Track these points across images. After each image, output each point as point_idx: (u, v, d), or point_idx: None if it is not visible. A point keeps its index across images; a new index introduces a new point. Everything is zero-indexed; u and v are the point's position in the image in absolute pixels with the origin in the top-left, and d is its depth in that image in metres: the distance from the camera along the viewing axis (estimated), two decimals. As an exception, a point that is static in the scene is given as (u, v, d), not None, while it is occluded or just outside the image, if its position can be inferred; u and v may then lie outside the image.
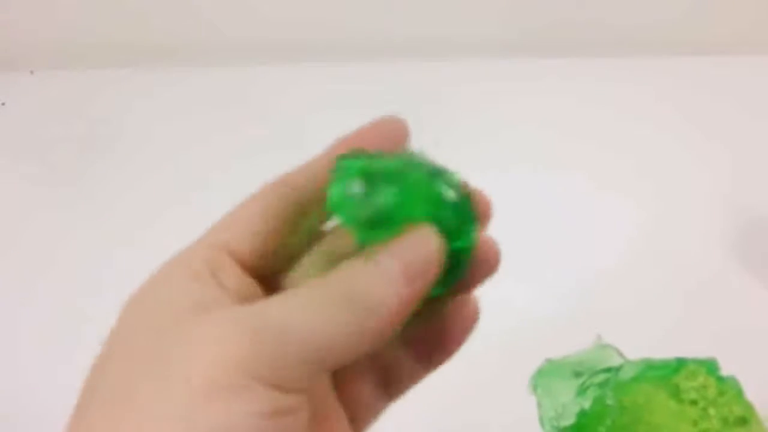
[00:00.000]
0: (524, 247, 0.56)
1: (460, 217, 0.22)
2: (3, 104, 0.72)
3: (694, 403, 0.35)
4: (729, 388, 0.36)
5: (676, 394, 0.35)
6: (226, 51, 0.76)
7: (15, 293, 0.56)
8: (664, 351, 0.39)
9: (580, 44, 0.73)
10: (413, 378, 0.24)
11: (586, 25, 0.73)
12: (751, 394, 0.37)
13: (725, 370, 0.37)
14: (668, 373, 0.36)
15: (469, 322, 0.24)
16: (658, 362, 0.37)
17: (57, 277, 0.57)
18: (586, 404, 0.37)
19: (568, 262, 0.55)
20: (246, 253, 0.22)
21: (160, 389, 0.18)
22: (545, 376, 0.40)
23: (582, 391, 0.38)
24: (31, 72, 0.75)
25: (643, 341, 0.41)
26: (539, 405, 0.39)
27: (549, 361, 0.41)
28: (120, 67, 0.74)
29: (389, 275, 0.19)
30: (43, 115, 0.71)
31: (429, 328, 0.24)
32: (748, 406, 0.36)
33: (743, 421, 0.35)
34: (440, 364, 0.25)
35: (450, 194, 0.22)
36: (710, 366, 0.36)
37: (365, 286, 0.19)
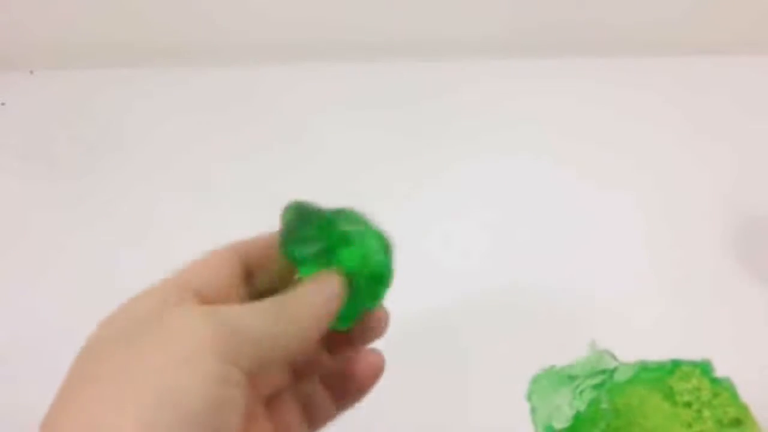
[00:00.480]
0: (523, 247, 0.57)
1: (377, 280, 0.29)
2: (3, 104, 0.72)
3: (688, 405, 0.35)
4: (723, 389, 0.36)
5: (670, 396, 0.35)
6: (226, 51, 0.76)
7: (15, 294, 0.56)
8: (660, 352, 0.39)
9: (580, 44, 0.72)
10: (328, 414, 0.32)
11: (586, 25, 0.73)
12: (745, 395, 0.37)
13: (720, 371, 0.37)
14: (662, 375, 0.35)
15: (371, 371, 0.31)
16: (653, 364, 0.37)
17: (57, 276, 0.57)
18: (582, 407, 0.37)
19: (567, 263, 0.55)
20: (207, 299, 0.27)
21: (138, 360, 0.23)
22: (541, 382, 0.40)
23: (577, 393, 0.38)
24: (31, 72, 0.75)
25: (638, 342, 0.40)
26: (534, 410, 0.39)
27: (545, 369, 0.40)
28: (120, 67, 0.74)
29: (311, 302, 0.28)
30: (43, 115, 0.71)
31: (342, 374, 0.31)
32: (743, 408, 0.36)
33: (738, 422, 0.35)
34: (349, 405, 0.32)
35: (381, 259, 0.29)
36: (704, 367, 0.36)
37: (296, 309, 0.27)
